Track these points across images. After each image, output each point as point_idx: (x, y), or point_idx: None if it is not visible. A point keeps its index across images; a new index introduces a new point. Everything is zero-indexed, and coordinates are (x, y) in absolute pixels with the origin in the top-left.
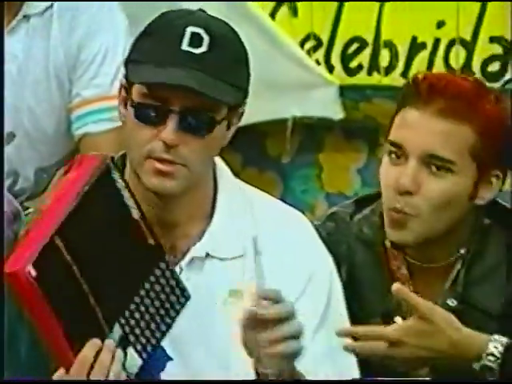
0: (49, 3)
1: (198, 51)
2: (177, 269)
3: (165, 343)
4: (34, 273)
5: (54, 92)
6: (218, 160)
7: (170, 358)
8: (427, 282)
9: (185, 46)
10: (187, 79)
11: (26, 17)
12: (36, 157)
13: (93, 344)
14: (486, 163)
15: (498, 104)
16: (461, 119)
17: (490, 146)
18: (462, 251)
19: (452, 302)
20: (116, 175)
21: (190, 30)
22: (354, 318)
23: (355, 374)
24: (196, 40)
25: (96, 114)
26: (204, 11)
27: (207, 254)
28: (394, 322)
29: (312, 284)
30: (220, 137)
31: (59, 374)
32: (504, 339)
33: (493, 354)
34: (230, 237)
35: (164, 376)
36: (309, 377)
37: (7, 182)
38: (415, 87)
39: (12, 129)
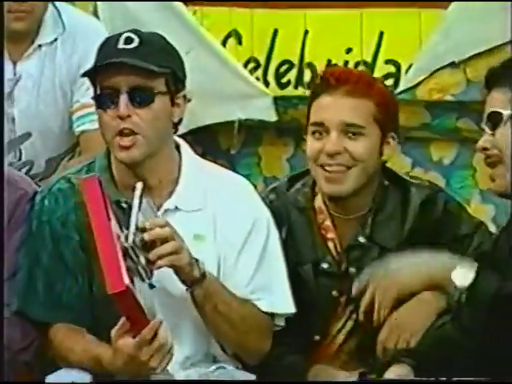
0: (53, 37)
1: (130, 46)
2: None
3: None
4: (130, 285)
5: (59, 100)
6: (182, 142)
7: (153, 286)
8: (346, 229)
9: (120, 45)
10: (120, 60)
11: (40, 46)
12: (46, 150)
13: (153, 325)
14: (385, 127)
15: (385, 85)
16: (363, 96)
17: (386, 113)
18: (371, 204)
19: (362, 240)
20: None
21: (124, 35)
22: (292, 264)
23: (289, 304)
24: (128, 40)
25: (91, 116)
26: (138, 30)
27: (176, 207)
28: (322, 267)
29: (255, 229)
30: (165, 109)
31: (121, 327)
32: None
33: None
34: (193, 195)
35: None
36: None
37: (24, 169)
38: (325, 80)
39: (28, 130)
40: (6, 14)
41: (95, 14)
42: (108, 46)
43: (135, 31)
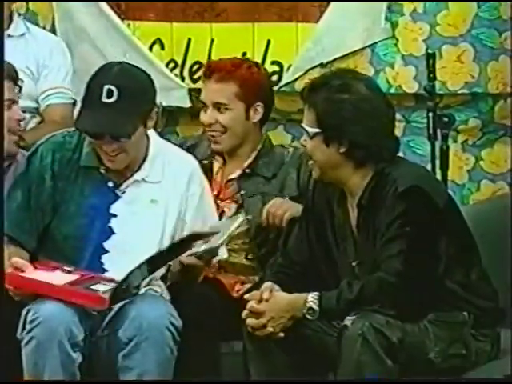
0: (22, 32)
1: (110, 101)
2: (123, 186)
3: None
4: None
5: (31, 85)
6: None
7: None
8: (233, 168)
9: (103, 99)
10: (100, 123)
11: (10, 36)
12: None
13: None
14: (249, 100)
15: (251, 70)
16: (227, 81)
17: (248, 91)
18: (256, 152)
19: (247, 171)
20: None
21: (105, 87)
22: None
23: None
24: (109, 93)
25: (54, 94)
26: (126, 63)
27: (142, 179)
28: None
29: (193, 177)
30: (141, 133)
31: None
32: (316, 294)
33: (311, 308)
34: (155, 170)
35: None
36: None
37: None
38: (204, 71)
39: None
40: None
41: (53, 25)
42: (93, 93)
43: (114, 79)
